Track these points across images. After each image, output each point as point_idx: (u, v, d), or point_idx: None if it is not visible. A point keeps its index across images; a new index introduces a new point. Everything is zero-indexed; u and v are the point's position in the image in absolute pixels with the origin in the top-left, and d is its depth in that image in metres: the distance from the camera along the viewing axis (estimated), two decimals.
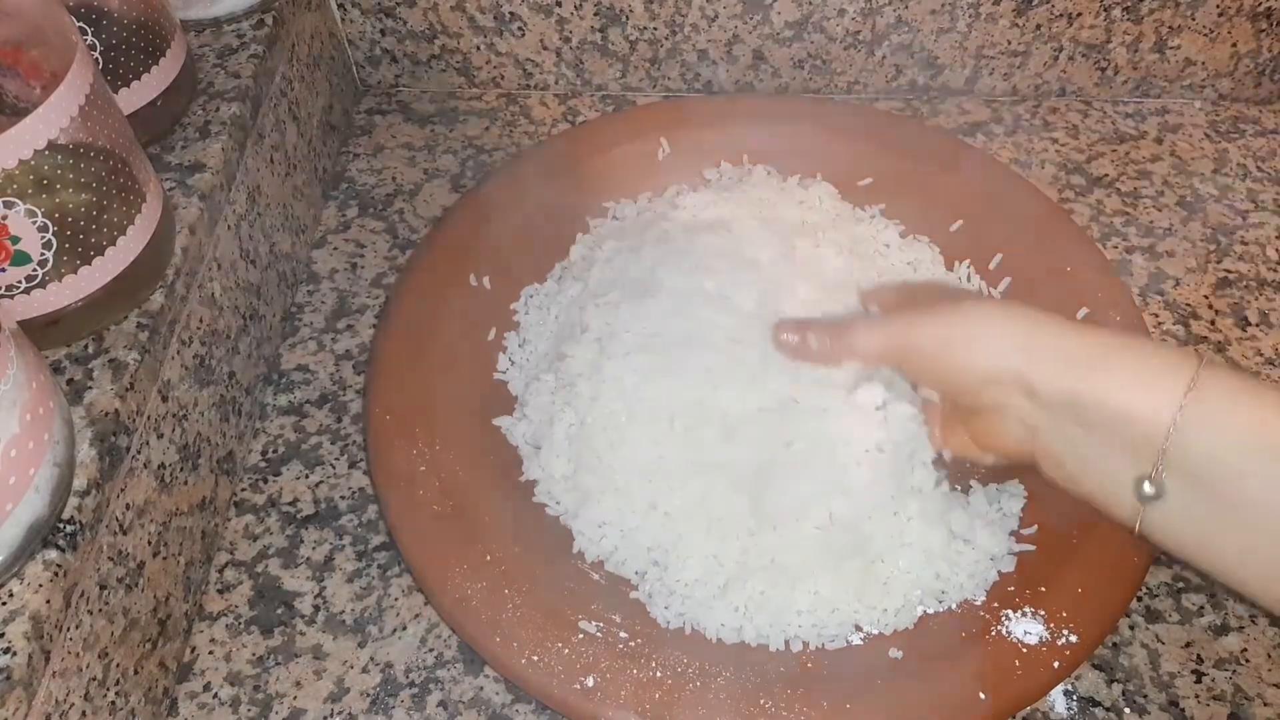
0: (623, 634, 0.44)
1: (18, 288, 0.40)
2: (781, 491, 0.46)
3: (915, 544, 0.45)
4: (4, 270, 0.39)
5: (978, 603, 0.45)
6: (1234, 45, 0.67)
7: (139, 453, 0.44)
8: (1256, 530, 0.36)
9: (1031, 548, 0.46)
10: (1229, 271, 0.62)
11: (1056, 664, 0.42)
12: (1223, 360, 0.57)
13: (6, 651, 0.34)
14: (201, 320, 0.50)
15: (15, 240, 0.39)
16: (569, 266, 0.58)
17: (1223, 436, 0.36)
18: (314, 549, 0.51)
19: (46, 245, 0.40)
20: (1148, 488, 0.38)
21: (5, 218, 0.38)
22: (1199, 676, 0.46)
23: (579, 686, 0.42)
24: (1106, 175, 0.67)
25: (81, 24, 0.47)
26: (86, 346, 0.43)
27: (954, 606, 0.45)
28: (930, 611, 0.45)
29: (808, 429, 0.47)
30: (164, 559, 0.46)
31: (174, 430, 0.47)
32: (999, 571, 0.46)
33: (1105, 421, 0.39)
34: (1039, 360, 0.40)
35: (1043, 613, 0.44)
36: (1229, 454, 0.36)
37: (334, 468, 0.54)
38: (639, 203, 0.61)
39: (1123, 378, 0.39)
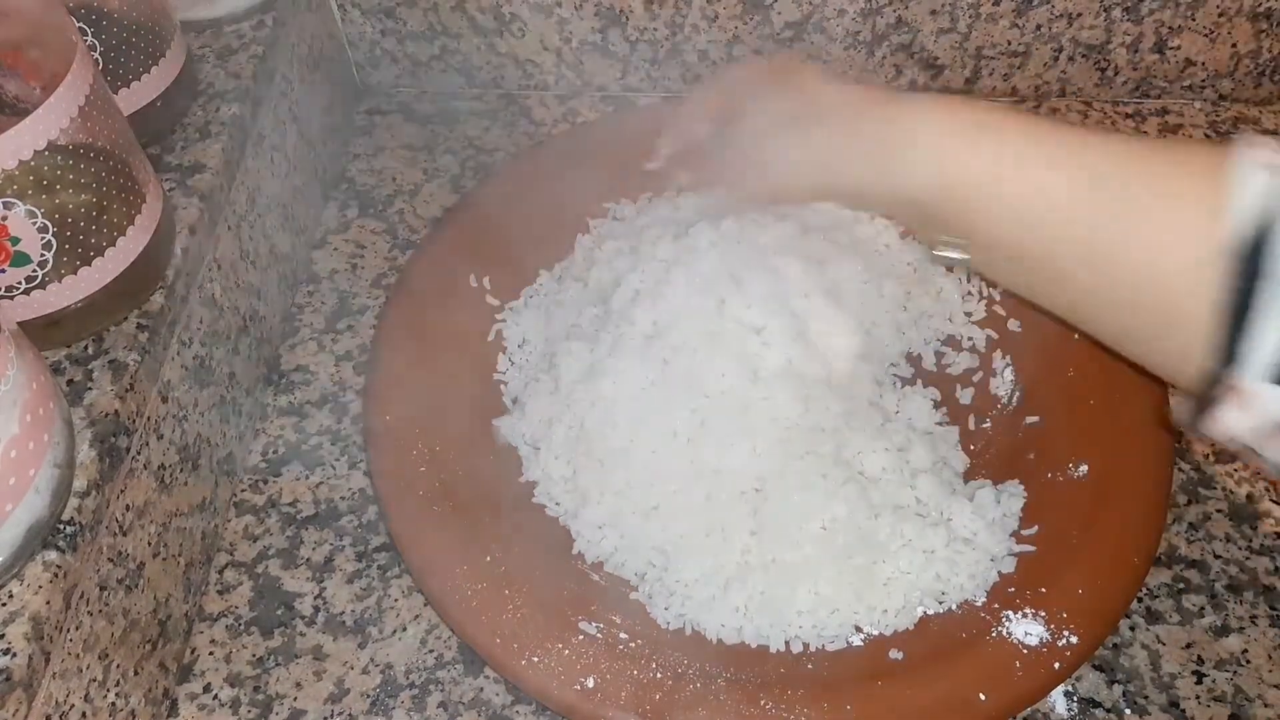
0: (623, 635, 0.44)
1: (17, 288, 0.40)
2: (784, 498, 0.45)
3: (915, 544, 0.45)
4: (4, 271, 0.39)
5: (978, 603, 0.45)
6: (1234, 46, 0.67)
7: (139, 453, 0.44)
8: (1043, 272, 0.41)
9: (1032, 548, 0.46)
10: None
11: (1057, 665, 0.42)
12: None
13: (7, 653, 0.34)
14: (201, 321, 0.50)
15: (15, 241, 0.39)
16: (569, 267, 0.58)
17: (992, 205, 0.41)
18: (314, 550, 0.51)
19: (46, 246, 0.40)
20: (947, 251, 0.44)
21: (5, 218, 0.38)
22: (1200, 677, 0.46)
23: (579, 687, 0.42)
24: None
25: (81, 24, 0.47)
26: (86, 347, 0.43)
27: (954, 607, 0.45)
28: (930, 612, 0.45)
29: (812, 437, 0.47)
30: (164, 560, 0.46)
31: (174, 431, 0.47)
32: (999, 572, 0.46)
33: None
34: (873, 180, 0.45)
35: (1043, 613, 0.44)
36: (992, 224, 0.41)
37: (334, 468, 0.54)
38: (639, 203, 0.61)
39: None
